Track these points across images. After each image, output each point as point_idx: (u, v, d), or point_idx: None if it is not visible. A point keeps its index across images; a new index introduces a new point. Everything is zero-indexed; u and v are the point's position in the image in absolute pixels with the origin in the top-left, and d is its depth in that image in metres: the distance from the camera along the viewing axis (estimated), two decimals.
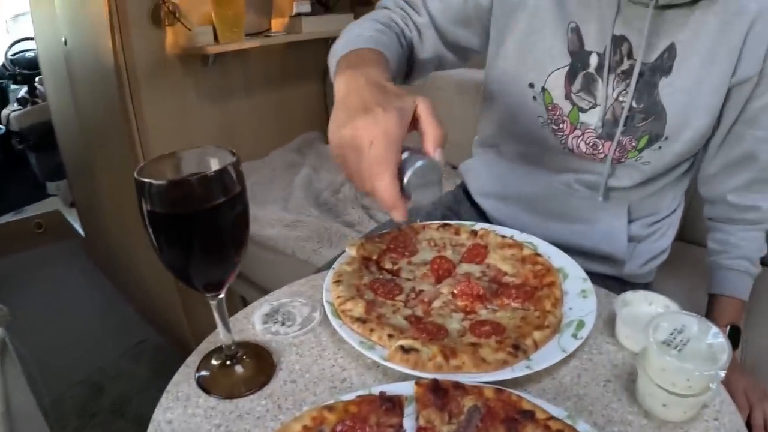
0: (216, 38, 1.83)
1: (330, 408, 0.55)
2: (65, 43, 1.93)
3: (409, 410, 0.57)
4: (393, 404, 0.56)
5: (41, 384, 1.99)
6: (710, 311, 1.08)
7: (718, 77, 0.90)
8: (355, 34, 0.92)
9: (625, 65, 0.93)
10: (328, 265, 1.05)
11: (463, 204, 1.27)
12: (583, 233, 1.08)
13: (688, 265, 1.35)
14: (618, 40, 0.91)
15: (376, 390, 0.59)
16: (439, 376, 0.60)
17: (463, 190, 1.31)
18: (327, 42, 2.29)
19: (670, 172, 1.03)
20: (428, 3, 1.02)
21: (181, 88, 1.86)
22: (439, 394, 0.57)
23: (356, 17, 2.16)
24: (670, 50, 0.90)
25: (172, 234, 0.56)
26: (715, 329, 0.64)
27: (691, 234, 1.59)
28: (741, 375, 1.00)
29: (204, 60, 1.87)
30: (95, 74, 1.77)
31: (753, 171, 1.01)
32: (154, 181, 0.53)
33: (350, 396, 0.58)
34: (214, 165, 0.58)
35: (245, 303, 2.20)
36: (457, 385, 0.58)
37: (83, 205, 2.62)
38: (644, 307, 0.77)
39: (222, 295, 0.63)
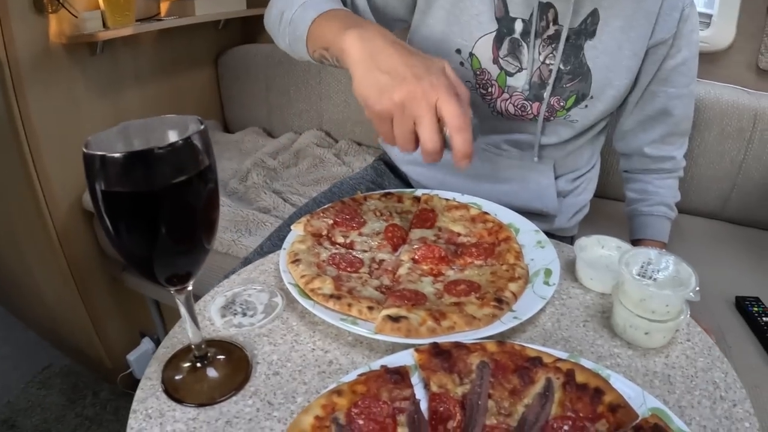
0: (105, 24, 1.67)
1: (338, 392, 0.51)
2: None
3: (415, 379, 0.55)
4: (401, 376, 0.53)
5: None
6: None
7: (637, 40, 0.96)
8: None
9: (551, 30, 0.95)
10: (260, 252, 1.01)
11: (386, 176, 1.26)
12: (513, 192, 1.10)
13: (604, 217, 1.46)
14: (544, 7, 0.93)
15: (375, 365, 0.56)
16: (435, 340, 0.58)
17: (384, 162, 1.30)
18: (218, 24, 2.19)
19: (589, 130, 1.08)
20: None
21: (69, 81, 1.68)
22: (443, 357, 0.55)
23: None
24: (593, 15, 0.93)
25: (133, 218, 0.48)
26: (676, 258, 0.67)
27: (603, 191, 1.70)
28: None
29: (92, 48, 1.70)
30: None
31: (667, 125, 1.09)
32: (108, 154, 0.44)
33: (351, 376, 0.54)
34: (174, 137, 0.51)
35: (159, 308, 2.09)
36: (459, 345, 0.56)
37: None
38: (599, 250, 0.80)
39: (190, 288, 0.56)
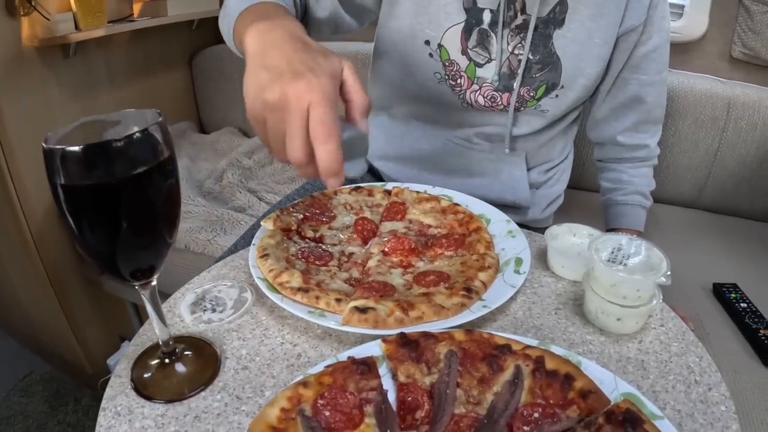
0: (77, 26, 1.65)
1: (304, 384, 0.50)
2: None
3: (383, 370, 0.54)
4: (368, 367, 0.52)
5: None
6: None
7: (607, 28, 0.95)
8: None
9: (519, 20, 0.94)
10: (233, 250, 0.99)
11: None
12: (486, 186, 1.10)
13: (578, 208, 1.45)
14: None
15: (342, 356, 0.55)
16: (402, 330, 0.58)
17: None
18: (191, 25, 2.17)
19: (561, 120, 1.08)
20: None
21: (42, 84, 1.66)
22: (411, 347, 0.54)
23: None
24: (562, 4, 0.93)
25: (94, 212, 0.48)
26: (647, 243, 0.67)
27: (578, 182, 1.72)
28: None
29: (65, 51, 1.68)
30: None
31: (640, 112, 1.09)
32: (67, 148, 0.44)
33: (318, 368, 0.54)
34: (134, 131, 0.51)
35: (138, 312, 2.06)
36: (427, 335, 0.56)
37: None
38: (570, 238, 0.79)
39: (154, 282, 0.55)
